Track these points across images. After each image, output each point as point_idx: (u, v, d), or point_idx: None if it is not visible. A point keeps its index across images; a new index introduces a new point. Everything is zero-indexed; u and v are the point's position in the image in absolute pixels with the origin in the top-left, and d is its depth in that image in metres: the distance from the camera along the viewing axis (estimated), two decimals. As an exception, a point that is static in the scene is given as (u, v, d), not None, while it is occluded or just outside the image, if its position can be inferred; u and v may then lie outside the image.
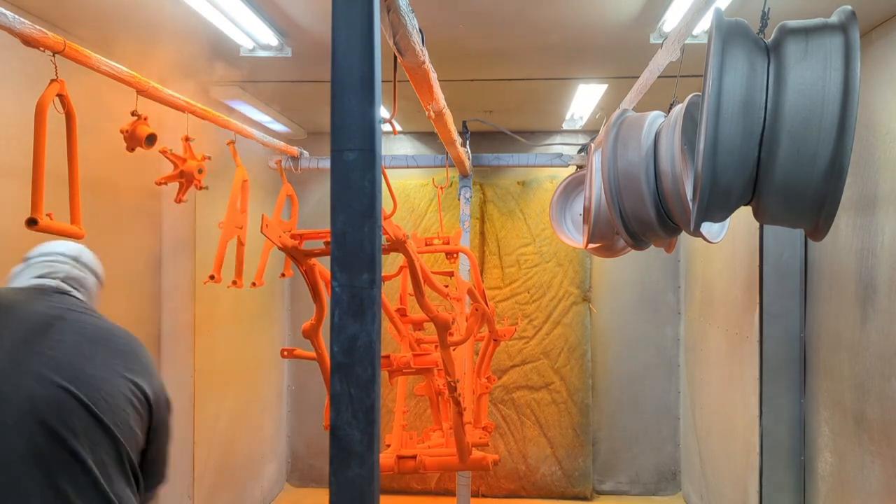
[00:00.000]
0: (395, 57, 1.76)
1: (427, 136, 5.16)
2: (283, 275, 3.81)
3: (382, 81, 1.08)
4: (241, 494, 4.40)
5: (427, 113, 2.51)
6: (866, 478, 2.62)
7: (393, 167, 4.24)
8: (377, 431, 1.03)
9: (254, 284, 3.35)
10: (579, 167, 4.08)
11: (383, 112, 3.03)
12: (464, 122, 3.81)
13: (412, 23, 1.60)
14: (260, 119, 4.24)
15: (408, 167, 4.21)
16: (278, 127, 4.53)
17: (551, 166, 4.39)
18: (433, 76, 2.10)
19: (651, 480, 5.12)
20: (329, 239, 1.06)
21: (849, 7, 1.42)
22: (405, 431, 2.82)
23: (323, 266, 1.89)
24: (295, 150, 3.96)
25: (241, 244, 3.15)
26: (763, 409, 3.28)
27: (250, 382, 4.56)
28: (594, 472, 5.09)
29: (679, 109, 1.86)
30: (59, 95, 1.83)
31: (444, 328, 2.09)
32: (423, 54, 1.84)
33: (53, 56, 1.81)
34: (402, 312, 2.84)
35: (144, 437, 1.51)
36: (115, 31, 2.79)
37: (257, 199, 4.17)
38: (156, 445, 1.55)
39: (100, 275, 1.70)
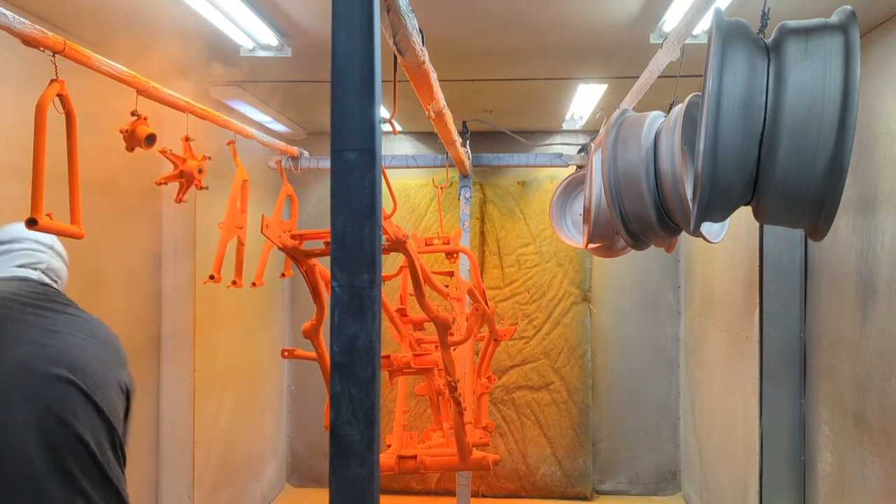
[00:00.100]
0: (395, 57, 1.76)
1: (427, 136, 5.16)
2: (283, 275, 3.81)
3: (382, 81, 1.08)
4: (241, 494, 4.40)
5: (427, 113, 2.51)
6: (866, 478, 2.62)
7: (393, 167, 4.24)
8: (377, 431, 1.02)
9: (254, 284, 3.35)
10: (579, 167, 4.08)
11: (383, 112, 3.03)
12: (464, 122, 3.81)
13: (412, 23, 1.60)
14: (260, 119, 4.24)
15: (408, 167, 4.21)
16: (278, 127, 4.53)
17: (551, 166, 4.39)
18: (433, 76, 2.10)
19: (651, 480, 5.12)
20: (329, 239, 1.06)
21: (849, 7, 1.42)
22: (405, 431, 2.82)
23: (323, 266, 1.89)
24: (295, 150, 3.96)
25: (241, 244, 3.14)
26: (763, 409, 3.28)
27: (250, 382, 4.56)
28: (594, 472, 5.09)
29: (679, 109, 1.86)
30: (59, 95, 1.82)
31: (444, 328, 2.09)
32: (423, 54, 1.84)
33: (53, 56, 1.80)
34: (403, 312, 2.84)
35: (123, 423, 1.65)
36: (115, 31, 2.79)
37: (257, 199, 4.17)
38: (126, 431, 1.68)
39: (67, 264, 1.79)
